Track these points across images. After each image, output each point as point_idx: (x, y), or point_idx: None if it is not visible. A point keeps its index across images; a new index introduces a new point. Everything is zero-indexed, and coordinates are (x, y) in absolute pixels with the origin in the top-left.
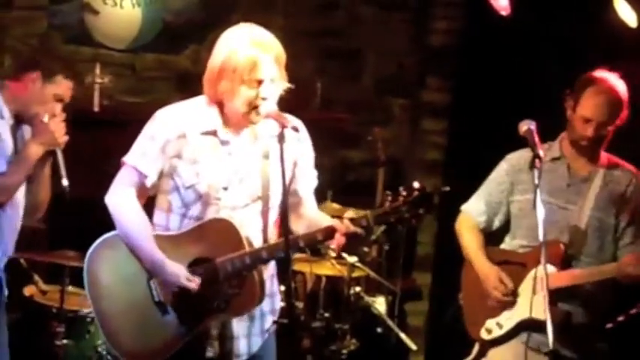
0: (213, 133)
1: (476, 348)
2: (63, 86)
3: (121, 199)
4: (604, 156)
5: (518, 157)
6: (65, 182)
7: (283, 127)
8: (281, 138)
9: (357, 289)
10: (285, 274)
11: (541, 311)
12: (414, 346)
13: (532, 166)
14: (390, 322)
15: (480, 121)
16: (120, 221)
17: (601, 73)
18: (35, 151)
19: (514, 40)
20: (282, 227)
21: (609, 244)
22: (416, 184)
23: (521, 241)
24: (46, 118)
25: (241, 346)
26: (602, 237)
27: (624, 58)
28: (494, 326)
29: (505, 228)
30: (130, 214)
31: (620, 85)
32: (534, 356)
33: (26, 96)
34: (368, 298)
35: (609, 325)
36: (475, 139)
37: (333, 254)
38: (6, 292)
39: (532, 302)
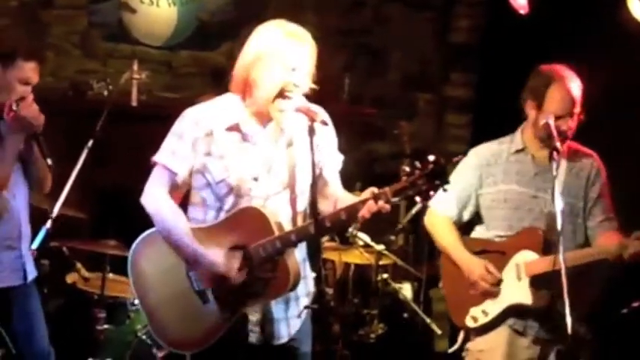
0: (237, 128)
1: (461, 336)
2: (26, 68)
3: (155, 198)
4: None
5: (485, 150)
6: (49, 162)
7: (312, 120)
8: (311, 131)
9: (385, 275)
10: (315, 261)
11: (526, 296)
12: (438, 330)
13: (551, 158)
14: (415, 308)
15: (501, 114)
16: (157, 219)
17: (557, 68)
18: (14, 142)
19: (533, 38)
20: (311, 212)
21: (580, 227)
22: (431, 157)
23: (497, 232)
24: (14, 106)
25: (282, 329)
26: (574, 221)
27: (637, 54)
28: (480, 314)
29: (473, 219)
30: (166, 212)
31: (575, 76)
32: (520, 339)
33: None
34: (395, 285)
35: (624, 311)
36: (497, 132)
37: (361, 242)
38: (35, 272)
39: (517, 288)
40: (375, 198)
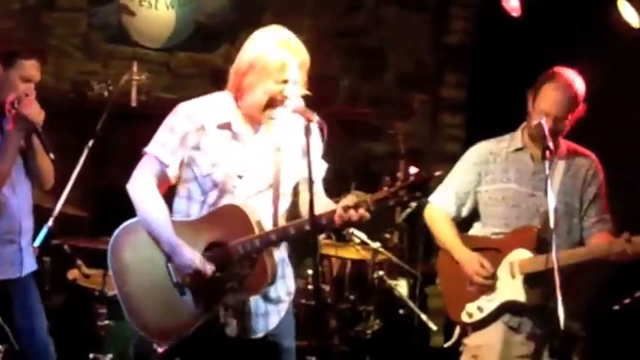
0: (228, 127)
1: (457, 331)
2: (27, 66)
3: (141, 187)
4: (563, 143)
5: (484, 148)
6: (52, 156)
7: (309, 121)
8: (307, 131)
9: (381, 272)
10: (313, 259)
11: (520, 294)
12: (434, 327)
13: (543, 157)
14: (411, 304)
15: (494, 114)
16: (140, 208)
17: (560, 69)
18: (15, 139)
19: (525, 39)
20: (309, 213)
21: (576, 226)
22: (412, 170)
23: (494, 229)
24: (16, 104)
25: (260, 324)
26: (569, 220)
27: (626, 56)
28: (475, 310)
29: (471, 216)
30: (149, 202)
31: (577, 81)
32: (515, 336)
33: None
34: (390, 282)
35: (616, 307)
36: (490, 131)
37: (357, 240)
38: (34, 266)
39: (511, 285)
40: (356, 206)
